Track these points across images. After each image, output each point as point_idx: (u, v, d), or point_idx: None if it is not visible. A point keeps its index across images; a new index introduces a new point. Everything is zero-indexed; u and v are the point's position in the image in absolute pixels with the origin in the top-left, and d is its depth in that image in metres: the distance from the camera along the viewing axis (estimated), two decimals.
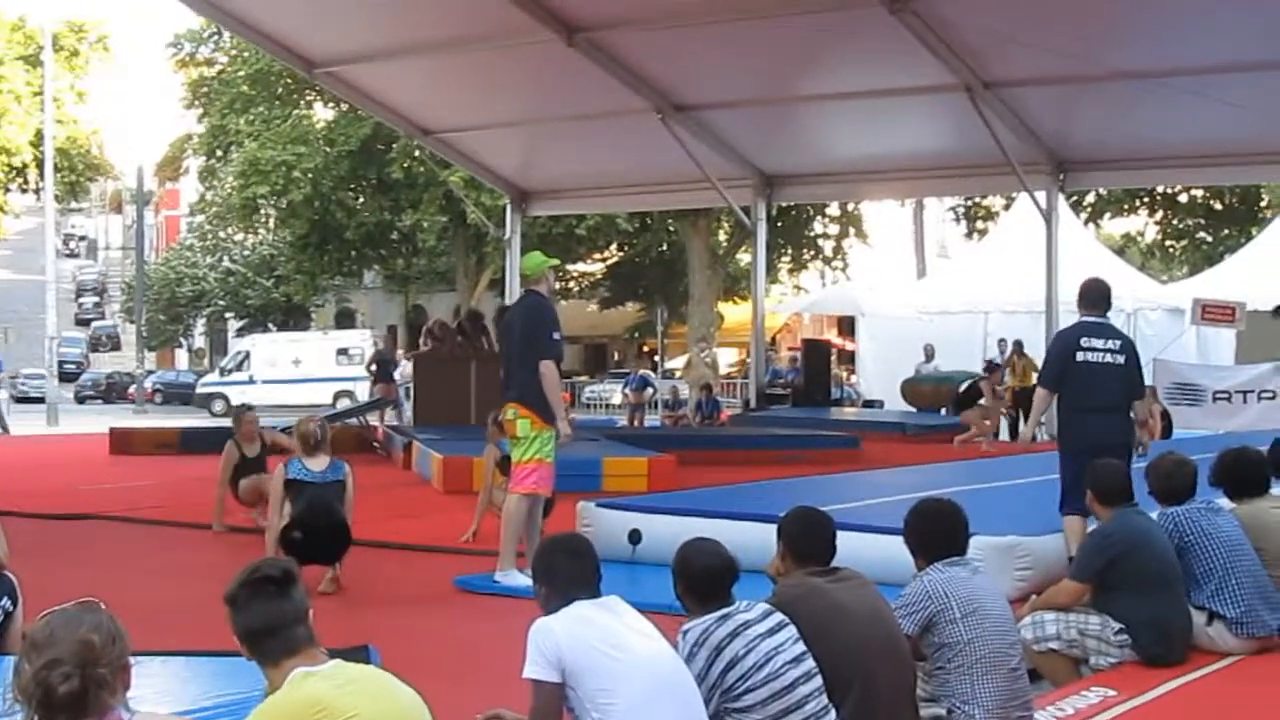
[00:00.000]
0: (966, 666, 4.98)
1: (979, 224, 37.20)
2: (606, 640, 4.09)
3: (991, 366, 22.26)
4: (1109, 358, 8.26)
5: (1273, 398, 20.73)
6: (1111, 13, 16.06)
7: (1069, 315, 19.86)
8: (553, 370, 8.48)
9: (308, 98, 41.82)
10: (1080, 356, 8.24)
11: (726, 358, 46.53)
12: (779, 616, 4.48)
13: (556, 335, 8.66)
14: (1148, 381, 20.96)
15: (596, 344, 55.09)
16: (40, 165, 38.50)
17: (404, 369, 34.69)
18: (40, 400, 49.76)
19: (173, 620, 6.43)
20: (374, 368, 26.57)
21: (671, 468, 13.81)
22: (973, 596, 5.10)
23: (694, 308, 38.23)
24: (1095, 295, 8.61)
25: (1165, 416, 19.67)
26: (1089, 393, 8.20)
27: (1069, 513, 8.00)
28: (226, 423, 34.82)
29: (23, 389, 55.11)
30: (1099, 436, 7.97)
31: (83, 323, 79.20)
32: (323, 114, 42.42)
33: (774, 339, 37.54)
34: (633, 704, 3.98)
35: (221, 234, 55.55)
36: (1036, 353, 21.80)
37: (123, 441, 20.37)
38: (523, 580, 7.50)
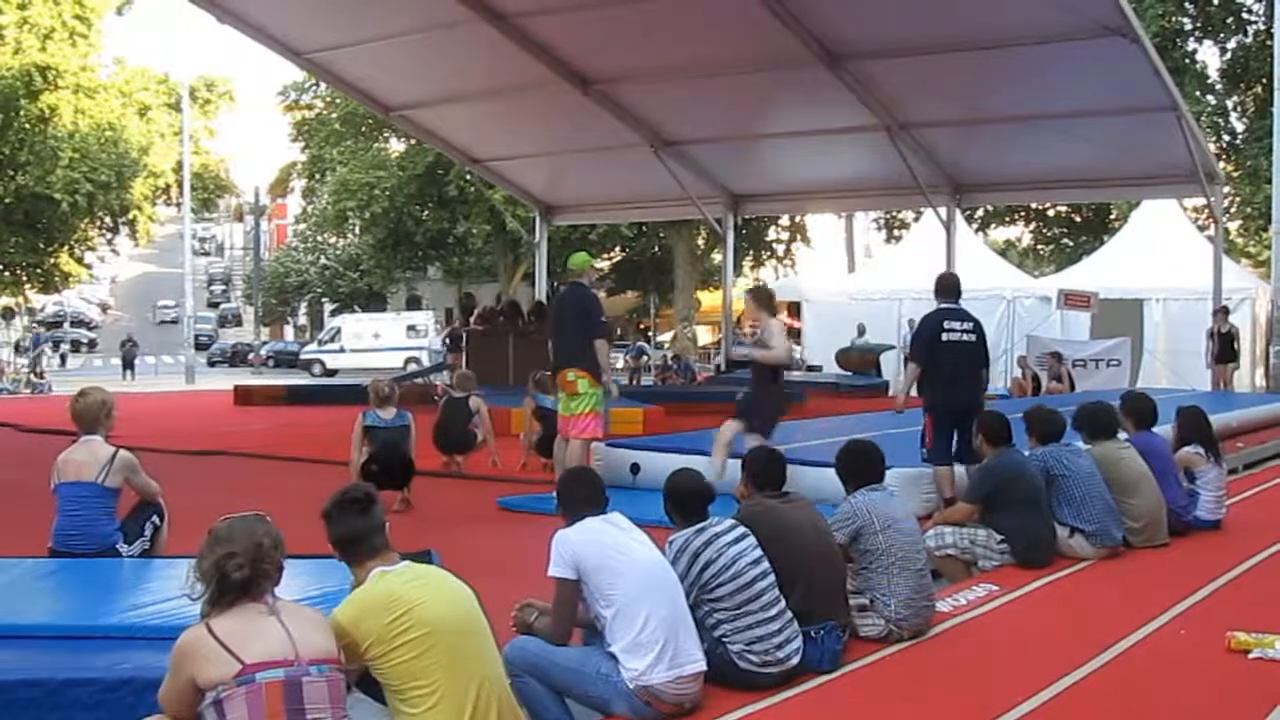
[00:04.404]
0: (884, 567, 4.98)
1: (895, 231, 36.94)
2: (612, 547, 4.08)
3: None
4: (965, 337, 8.00)
5: (1118, 365, 20.72)
6: (994, 72, 15.96)
7: (965, 302, 19.89)
8: (604, 345, 8.71)
9: (385, 134, 41.47)
10: (945, 337, 7.94)
11: (703, 334, 46.43)
12: (742, 529, 4.48)
13: (604, 319, 8.86)
14: (1022, 352, 21.03)
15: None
16: (180, 185, 38.36)
17: (433, 343, 34.34)
18: (174, 322, 49.50)
19: (282, 530, 6.42)
20: (448, 341, 26.37)
21: (661, 416, 13.79)
22: (889, 514, 5.10)
23: (678, 295, 38.21)
24: (950, 286, 8.31)
25: (1035, 379, 19.64)
26: (951, 365, 7.90)
27: (939, 464, 7.76)
28: (325, 381, 35.27)
29: (160, 315, 54.24)
30: (958, 399, 7.76)
31: (213, 305, 78.78)
32: (396, 146, 42.09)
33: (739, 319, 37.44)
34: (631, 595, 3.97)
35: (319, 238, 55.18)
36: None
37: (244, 395, 20.34)
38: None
